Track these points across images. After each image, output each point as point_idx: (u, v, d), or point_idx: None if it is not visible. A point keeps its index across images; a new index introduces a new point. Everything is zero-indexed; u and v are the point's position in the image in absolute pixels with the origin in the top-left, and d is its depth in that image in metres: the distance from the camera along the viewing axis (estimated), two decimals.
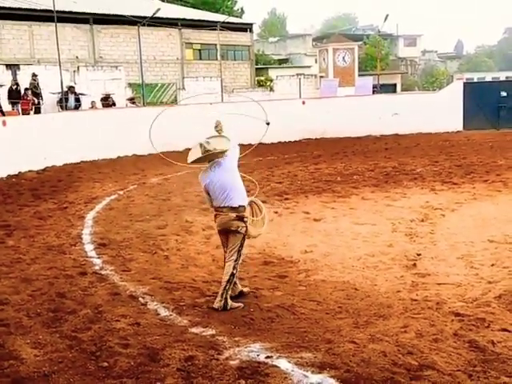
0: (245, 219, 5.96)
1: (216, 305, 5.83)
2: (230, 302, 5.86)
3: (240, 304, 5.94)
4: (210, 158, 5.95)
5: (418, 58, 56.14)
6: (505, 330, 5.05)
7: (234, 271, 5.90)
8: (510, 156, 16.78)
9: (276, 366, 4.40)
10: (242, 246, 5.97)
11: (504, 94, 25.63)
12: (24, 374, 4.37)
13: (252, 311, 5.81)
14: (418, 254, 7.71)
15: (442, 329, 5.10)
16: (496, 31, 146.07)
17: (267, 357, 4.58)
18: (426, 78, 51.30)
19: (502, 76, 44.36)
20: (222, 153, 5.92)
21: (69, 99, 21.36)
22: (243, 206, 5.96)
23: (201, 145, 5.82)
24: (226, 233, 6.05)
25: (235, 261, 5.91)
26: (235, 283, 6.19)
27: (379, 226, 9.43)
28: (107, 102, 22.60)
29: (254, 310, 5.83)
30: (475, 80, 40.68)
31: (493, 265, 7.10)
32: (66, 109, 20.96)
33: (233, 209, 5.93)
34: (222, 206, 5.95)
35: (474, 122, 24.96)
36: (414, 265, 7.28)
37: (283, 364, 4.43)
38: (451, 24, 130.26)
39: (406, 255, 7.68)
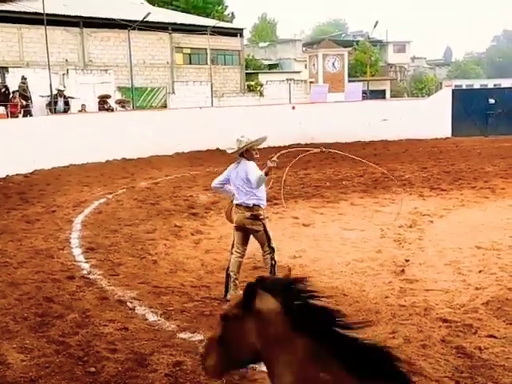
0: (260, 217, 6.28)
1: None
2: None
3: None
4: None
5: (407, 64, 56.35)
6: (492, 336, 5.08)
7: (273, 262, 6.28)
8: (497, 163, 16.91)
9: (264, 372, 4.38)
10: (269, 240, 6.33)
11: (492, 101, 25.85)
12: (10, 379, 4.34)
13: None
14: (407, 260, 7.73)
15: (429, 335, 5.12)
16: (485, 39, 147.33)
17: None
18: (415, 85, 51.51)
19: (491, 83, 44.67)
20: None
21: (58, 102, 21.27)
22: (258, 206, 6.29)
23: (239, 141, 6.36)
24: (242, 230, 6.37)
25: (270, 253, 6.31)
26: (237, 287, 6.25)
27: (368, 231, 9.45)
28: (104, 105, 22.40)
29: None
30: (464, 87, 40.84)
31: (480, 271, 7.14)
32: (55, 112, 20.88)
33: (248, 208, 6.26)
34: (238, 202, 6.33)
35: (463, 129, 25.15)
36: (403, 271, 7.30)
37: None
38: (440, 31, 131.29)
39: (394, 261, 7.70)
